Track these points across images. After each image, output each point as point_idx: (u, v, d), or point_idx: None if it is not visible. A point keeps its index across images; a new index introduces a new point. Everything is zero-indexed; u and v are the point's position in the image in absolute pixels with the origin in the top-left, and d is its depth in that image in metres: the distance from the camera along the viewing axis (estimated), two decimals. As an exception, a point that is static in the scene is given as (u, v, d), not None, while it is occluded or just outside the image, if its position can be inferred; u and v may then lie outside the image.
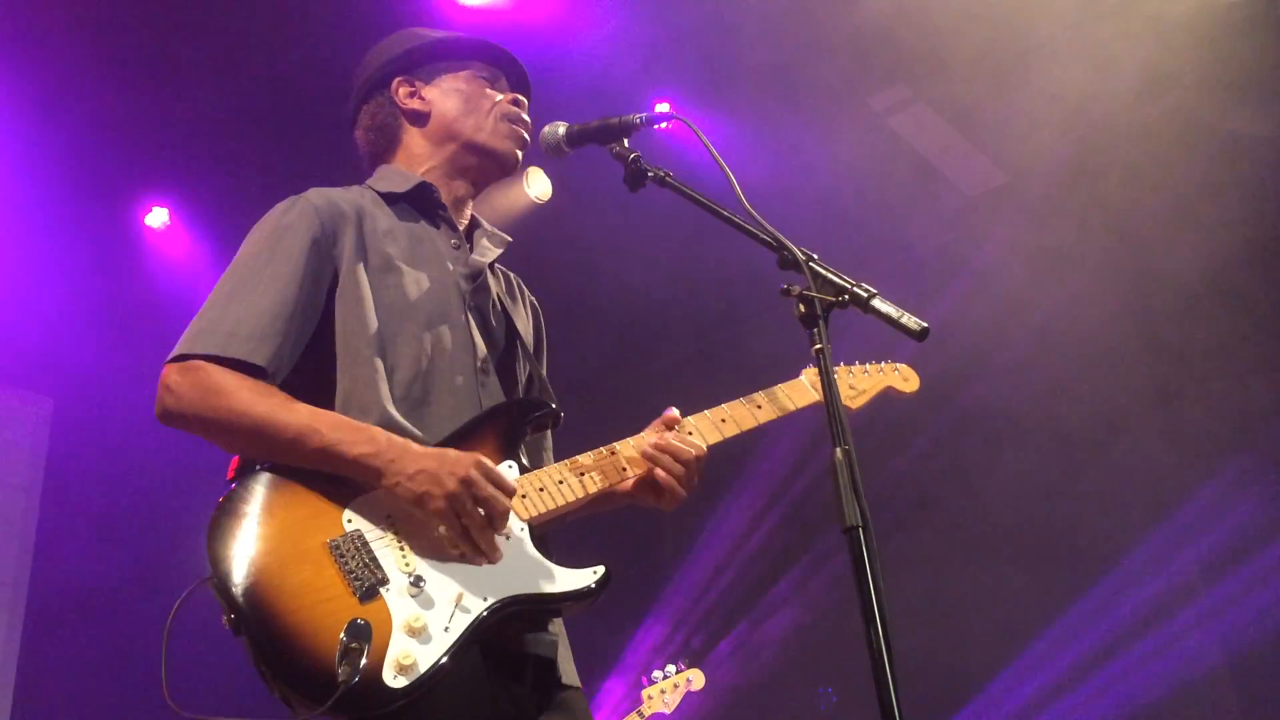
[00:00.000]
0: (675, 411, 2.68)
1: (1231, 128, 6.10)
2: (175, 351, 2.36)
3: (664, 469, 2.55)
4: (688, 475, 2.57)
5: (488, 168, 2.84)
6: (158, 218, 6.90)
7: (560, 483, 2.48)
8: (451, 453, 2.29)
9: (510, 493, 2.31)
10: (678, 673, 5.83)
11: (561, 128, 2.68)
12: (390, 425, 2.37)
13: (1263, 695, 6.26)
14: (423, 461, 2.26)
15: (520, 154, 2.84)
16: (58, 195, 6.45)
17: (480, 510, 2.26)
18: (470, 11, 5.88)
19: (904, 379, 3.15)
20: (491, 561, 2.28)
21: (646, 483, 2.62)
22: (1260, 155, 6.15)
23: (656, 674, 5.84)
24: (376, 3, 5.70)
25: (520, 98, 2.87)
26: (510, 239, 2.85)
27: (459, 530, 2.26)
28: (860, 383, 3.07)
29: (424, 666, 2.12)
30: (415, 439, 2.36)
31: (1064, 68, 6.00)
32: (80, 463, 7.08)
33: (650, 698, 5.73)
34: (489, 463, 2.30)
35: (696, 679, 5.84)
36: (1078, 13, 5.80)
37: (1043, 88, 6.09)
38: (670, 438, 2.58)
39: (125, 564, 6.88)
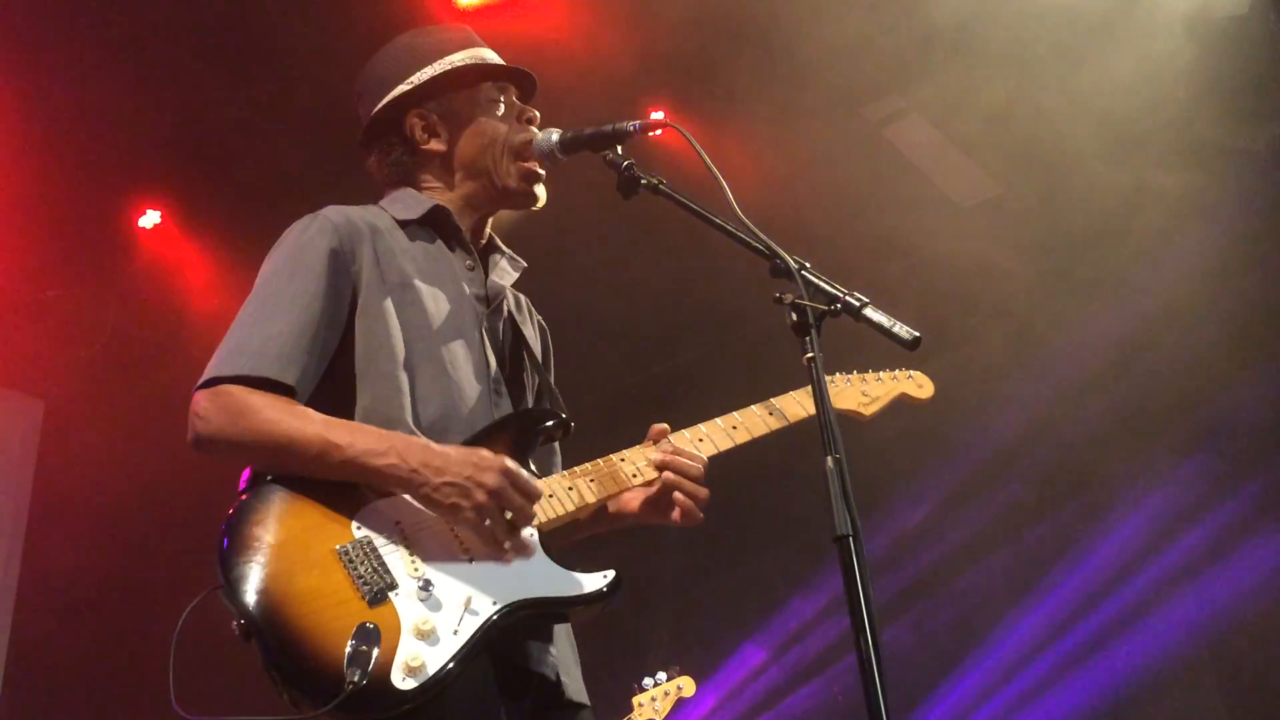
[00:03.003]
0: (665, 428, 2.71)
1: (1225, 141, 6.13)
2: (204, 377, 2.39)
3: (684, 492, 2.60)
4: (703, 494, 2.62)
5: (507, 203, 2.85)
6: (150, 219, 6.88)
7: (570, 489, 2.51)
8: (475, 457, 2.32)
9: (536, 495, 2.35)
10: (668, 680, 5.82)
11: (555, 134, 2.71)
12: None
13: (1243, 681, 6.32)
14: (449, 471, 2.29)
15: (539, 192, 2.82)
16: (50, 197, 6.43)
17: (515, 504, 2.31)
18: (467, 15, 5.88)
19: (918, 385, 3.14)
20: (523, 552, 2.33)
21: (652, 502, 2.65)
22: (1254, 168, 6.19)
23: (647, 681, 5.82)
24: (371, 6, 5.71)
25: (532, 114, 2.86)
26: (525, 264, 2.87)
27: (487, 536, 2.31)
28: (874, 390, 3.07)
29: (433, 669, 2.14)
30: None
31: (1058, 82, 6.02)
32: (71, 466, 7.05)
33: (641, 705, 5.72)
34: (514, 465, 2.33)
35: (687, 686, 5.82)
36: (1071, 27, 5.82)
37: (1037, 101, 6.11)
38: (675, 456, 2.61)
39: (115, 569, 6.86)
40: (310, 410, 2.36)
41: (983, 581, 7.21)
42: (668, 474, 2.60)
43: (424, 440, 2.35)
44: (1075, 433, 6.93)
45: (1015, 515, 7.15)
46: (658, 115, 6.37)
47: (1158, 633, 6.59)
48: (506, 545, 2.31)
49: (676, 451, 2.64)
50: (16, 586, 6.85)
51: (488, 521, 2.29)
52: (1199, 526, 6.60)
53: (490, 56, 2.90)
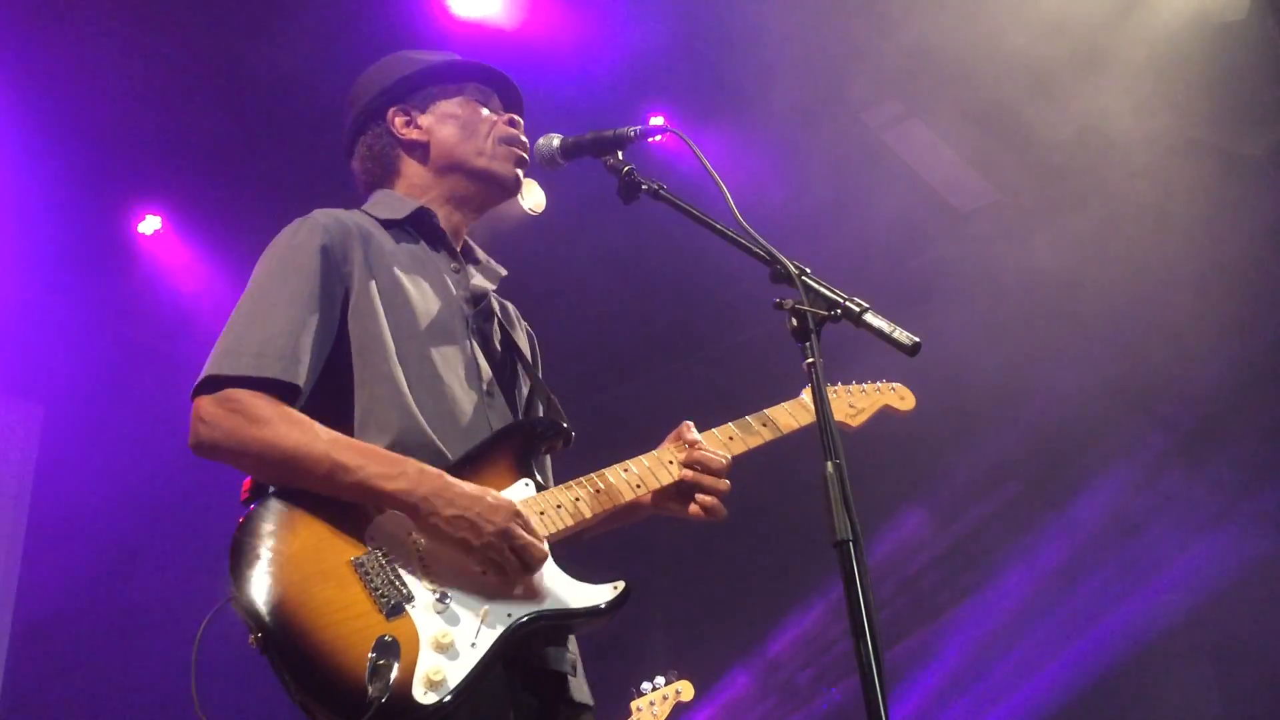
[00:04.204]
0: (691, 426, 2.72)
1: (1224, 148, 6.14)
2: (204, 374, 2.35)
3: (705, 487, 2.61)
4: (724, 486, 2.63)
5: (489, 193, 2.85)
6: (150, 225, 6.89)
7: (577, 500, 2.49)
8: (489, 497, 2.30)
9: (543, 554, 2.32)
10: (667, 684, 5.80)
11: (556, 140, 2.70)
12: (419, 439, 2.41)
13: (1233, 652, 6.36)
14: (459, 504, 2.26)
15: (521, 175, 2.85)
16: (50, 202, 6.43)
17: (515, 558, 2.28)
18: (465, 25, 5.88)
19: (900, 398, 3.23)
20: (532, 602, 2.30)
21: (668, 492, 2.65)
22: (1251, 175, 6.20)
23: (645, 685, 5.80)
24: (370, 13, 5.72)
25: (516, 117, 2.87)
26: (505, 272, 2.87)
27: (495, 572, 2.28)
28: (859, 401, 3.13)
29: (453, 682, 2.13)
30: (442, 456, 2.40)
31: (1058, 88, 6.03)
32: (70, 472, 7.04)
33: (639, 709, 5.70)
34: (524, 510, 2.32)
35: (686, 690, 5.80)
36: (1072, 33, 5.83)
37: (1037, 107, 6.12)
38: (700, 452, 2.63)
39: (114, 574, 6.85)
40: (319, 425, 2.32)
41: (965, 557, 7.24)
42: (687, 472, 2.62)
43: (439, 470, 2.32)
44: (1060, 404, 6.96)
45: (999, 490, 7.19)
46: (658, 120, 6.38)
47: (1150, 607, 6.63)
48: (518, 590, 2.29)
49: (701, 447, 2.65)
50: (16, 591, 6.84)
51: (490, 565, 2.27)
52: (1189, 501, 6.65)
53: (482, 68, 2.92)
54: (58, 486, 7.07)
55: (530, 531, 2.29)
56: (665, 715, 5.71)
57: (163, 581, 6.39)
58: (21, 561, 6.92)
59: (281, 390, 2.34)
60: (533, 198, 6.93)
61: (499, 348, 2.76)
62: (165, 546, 6.79)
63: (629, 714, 5.70)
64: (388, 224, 2.70)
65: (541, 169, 2.76)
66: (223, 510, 2.31)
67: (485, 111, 2.84)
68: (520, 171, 2.84)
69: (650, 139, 2.68)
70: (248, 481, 2.37)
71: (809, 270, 2.28)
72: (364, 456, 2.29)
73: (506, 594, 2.28)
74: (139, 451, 6.80)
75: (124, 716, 6.67)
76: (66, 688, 6.85)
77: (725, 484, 2.64)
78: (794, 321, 2.21)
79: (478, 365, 2.63)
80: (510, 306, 2.96)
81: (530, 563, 2.28)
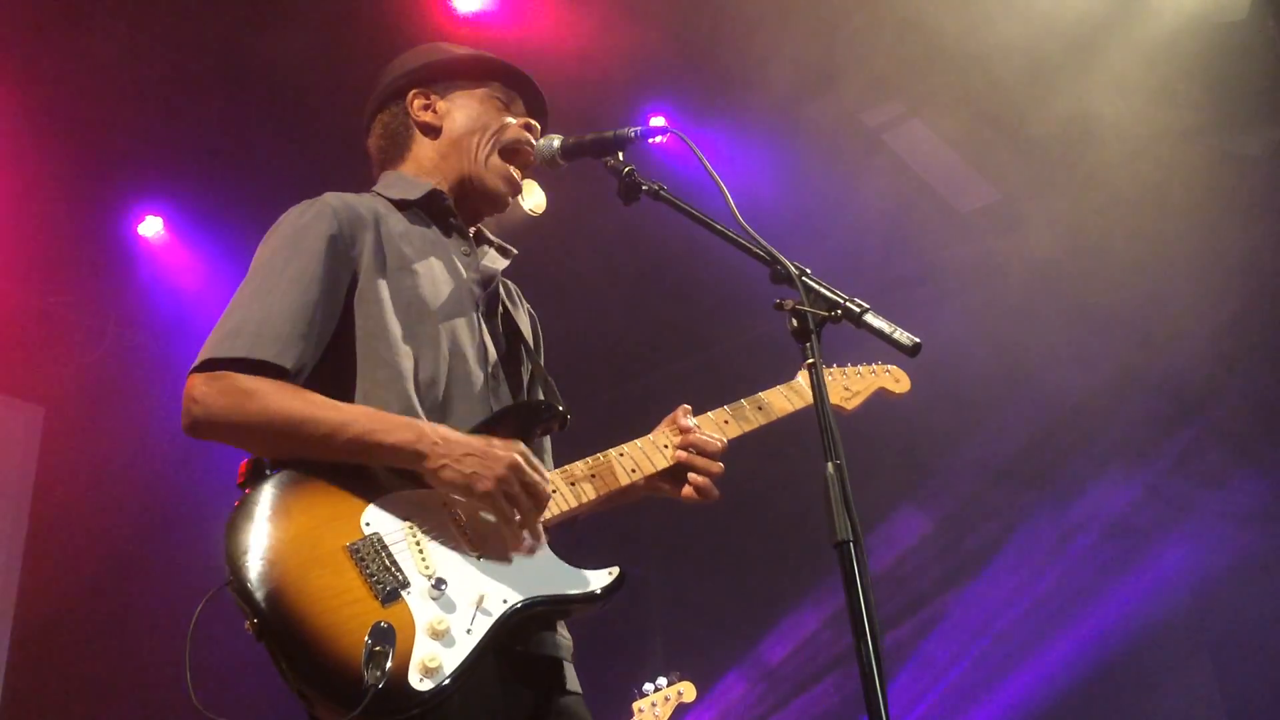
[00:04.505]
0: (689, 411, 2.73)
1: (1224, 147, 6.15)
2: (200, 358, 2.35)
3: (698, 469, 2.63)
4: (717, 469, 2.65)
5: (479, 204, 2.86)
6: (151, 227, 6.90)
7: (572, 484, 2.51)
8: (496, 440, 2.34)
9: (546, 482, 2.35)
10: (669, 685, 5.81)
11: (556, 141, 2.71)
12: None
13: (1233, 649, 6.37)
14: (469, 445, 2.30)
15: (511, 198, 2.86)
16: (50, 203, 6.44)
17: (526, 494, 2.30)
18: (465, 20, 5.88)
19: (895, 380, 3.26)
20: (530, 549, 2.32)
21: (661, 473, 2.67)
22: (1252, 174, 6.20)
23: (648, 686, 5.81)
24: (371, 12, 5.72)
25: (532, 123, 2.88)
26: (516, 251, 2.89)
27: (505, 515, 2.30)
28: (854, 384, 3.16)
29: (449, 669, 2.13)
30: None
31: (1059, 87, 6.03)
32: (71, 473, 7.04)
33: (640, 710, 5.71)
34: (528, 450, 2.34)
35: (688, 691, 5.81)
36: (1074, 33, 5.83)
37: (1038, 107, 6.13)
38: (694, 434, 2.65)
39: (115, 575, 6.85)
40: (313, 393, 2.34)
41: (963, 553, 7.26)
42: (681, 452, 2.64)
43: (440, 425, 2.35)
44: (1058, 400, 6.97)
45: (996, 485, 7.21)
46: (659, 121, 6.38)
47: (1150, 603, 6.65)
48: (524, 536, 2.31)
49: (696, 432, 2.67)
50: (16, 593, 6.84)
51: (510, 501, 2.29)
52: (1189, 497, 6.67)
53: (509, 70, 2.93)
54: (58, 487, 7.06)
55: (537, 468, 2.32)
56: (667, 716, 5.72)
57: (163, 582, 6.39)
58: (22, 562, 6.91)
59: (275, 374, 2.34)
60: (533, 199, 6.92)
61: (505, 332, 2.78)
62: (166, 547, 6.79)
63: (631, 715, 5.70)
64: (400, 204, 2.72)
65: (541, 170, 2.78)
66: (223, 511, 2.30)
67: (503, 112, 2.86)
68: (511, 195, 2.85)
69: (650, 140, 2.70)
70: (243, 465, 2.36)
71: (809, 271, 2.29)
72: (364, 414, 2.32)
73: (502, 579, 2.29)
74: (139, 452, 6.80)
75: (124, 717, 6.67)
76: (66, 689, 6.85)
77: (719, 466, 2.66)
78: (794, 322, 2.22)
79: (485, 349, 2.64)
80: (513, 287, 2.98)
81: (538, 498, 2.31)
